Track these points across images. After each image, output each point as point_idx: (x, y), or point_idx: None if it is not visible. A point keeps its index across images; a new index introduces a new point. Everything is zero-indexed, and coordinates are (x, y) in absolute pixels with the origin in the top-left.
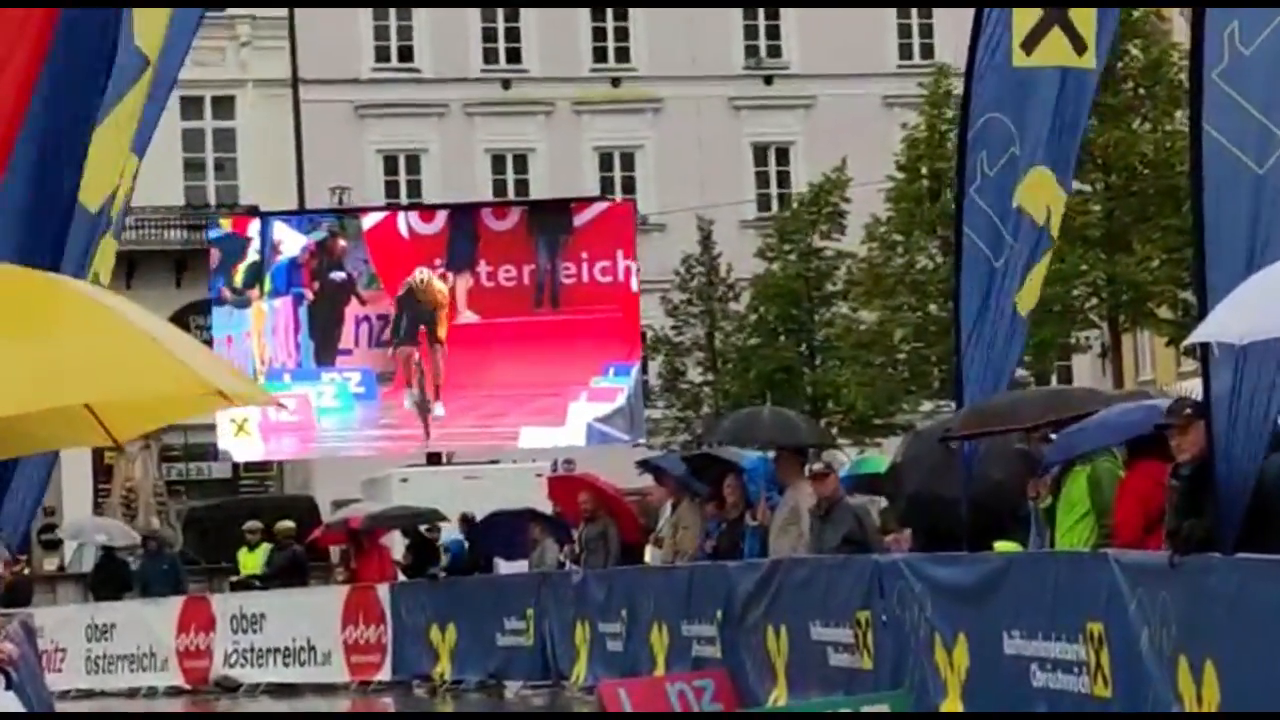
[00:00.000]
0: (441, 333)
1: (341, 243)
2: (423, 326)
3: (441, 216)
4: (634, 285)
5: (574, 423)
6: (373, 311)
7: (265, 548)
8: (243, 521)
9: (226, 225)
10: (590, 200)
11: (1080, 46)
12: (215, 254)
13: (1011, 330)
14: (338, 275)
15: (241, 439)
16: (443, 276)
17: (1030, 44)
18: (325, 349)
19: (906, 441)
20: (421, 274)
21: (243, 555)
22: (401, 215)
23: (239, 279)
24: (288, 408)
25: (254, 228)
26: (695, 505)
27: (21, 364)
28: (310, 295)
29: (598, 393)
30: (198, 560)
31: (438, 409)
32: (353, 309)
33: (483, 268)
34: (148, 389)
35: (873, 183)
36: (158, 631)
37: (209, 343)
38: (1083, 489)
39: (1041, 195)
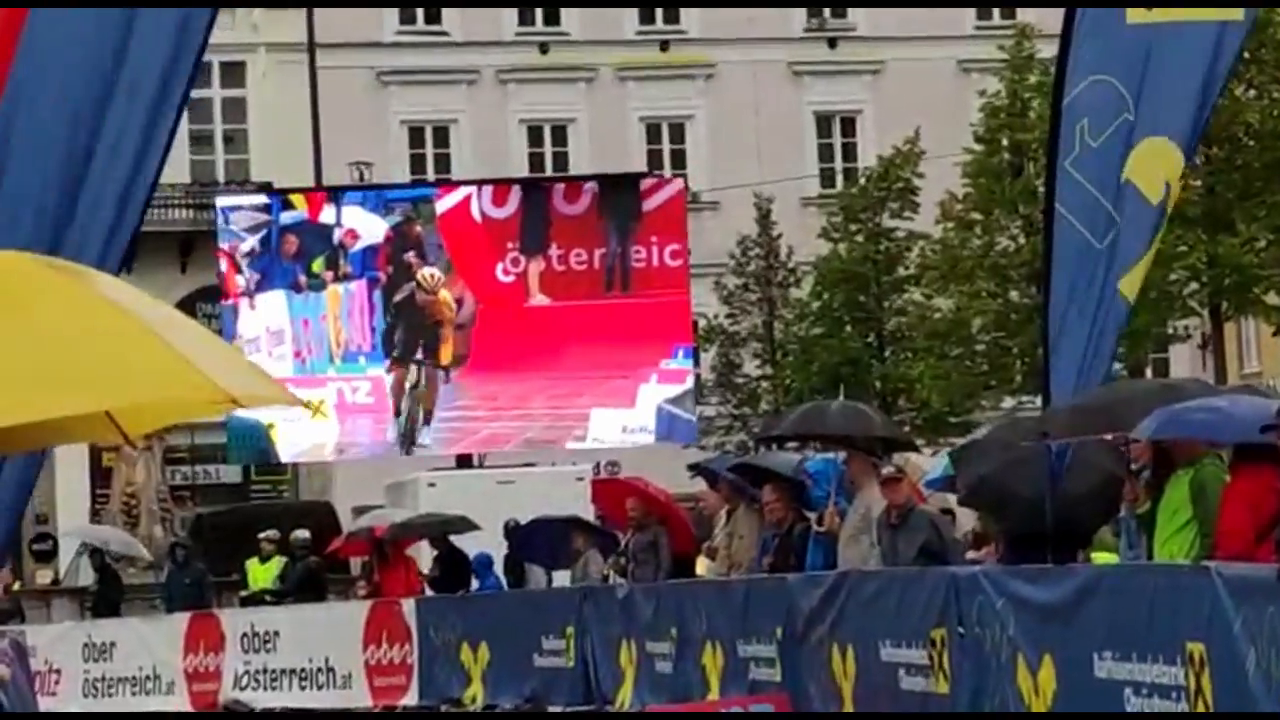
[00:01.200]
0: (445, 355)
1: (418, 228)
2: (422, 343)
3: (515, 198)
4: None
5: (644, 405)
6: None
7: (279, 560)
8: (254, 530)
9: (302, 207)
10: (661, 180)
11: None
12: (293, 240)
13: (1112, 319)
14: (410, 257)
15: (317, 422)
16: (515, 260)
17: None
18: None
19: (998, 425)
20: (431, 275)
21: (253, 567)
22: (474, 198)
23: (319, 266)
24: (315, 408)
25: (328, 213)
26: (752, 512)
27: (33, 367)
28: (384, 278)
29: (667, 374)
30: (204, 572)
31: (424, 437)
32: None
33: (554, 250)
34: (161, 395)
35: (948, 155)
36: (161, 651)
37: (219, 334)
38: (1184, 495)
39: (1159, 168)
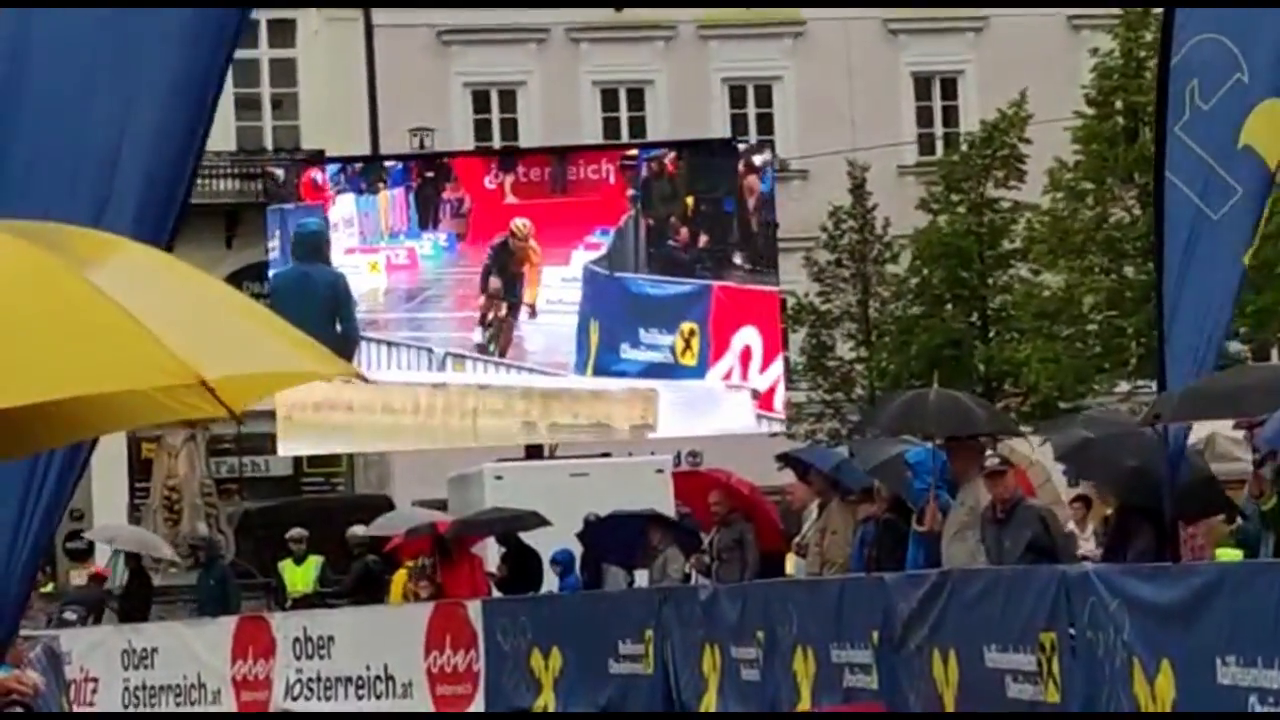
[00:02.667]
0: (529, 296)
1: None
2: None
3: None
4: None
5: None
6: (452, 196)
7: (315, 560)
8: (306, 525)
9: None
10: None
11: None
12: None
13: (1229, 295)
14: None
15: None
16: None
17: None
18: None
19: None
20: (522, 225)
21: (287, 569)
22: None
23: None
24: (366, 378)
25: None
26: (846, 506)
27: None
28: (416, 184)
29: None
30: (252, 572)
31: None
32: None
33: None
34: (115, 382)
35: (1057, 119)
36: (207, 658)
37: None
38: None
39: (1274, 132)
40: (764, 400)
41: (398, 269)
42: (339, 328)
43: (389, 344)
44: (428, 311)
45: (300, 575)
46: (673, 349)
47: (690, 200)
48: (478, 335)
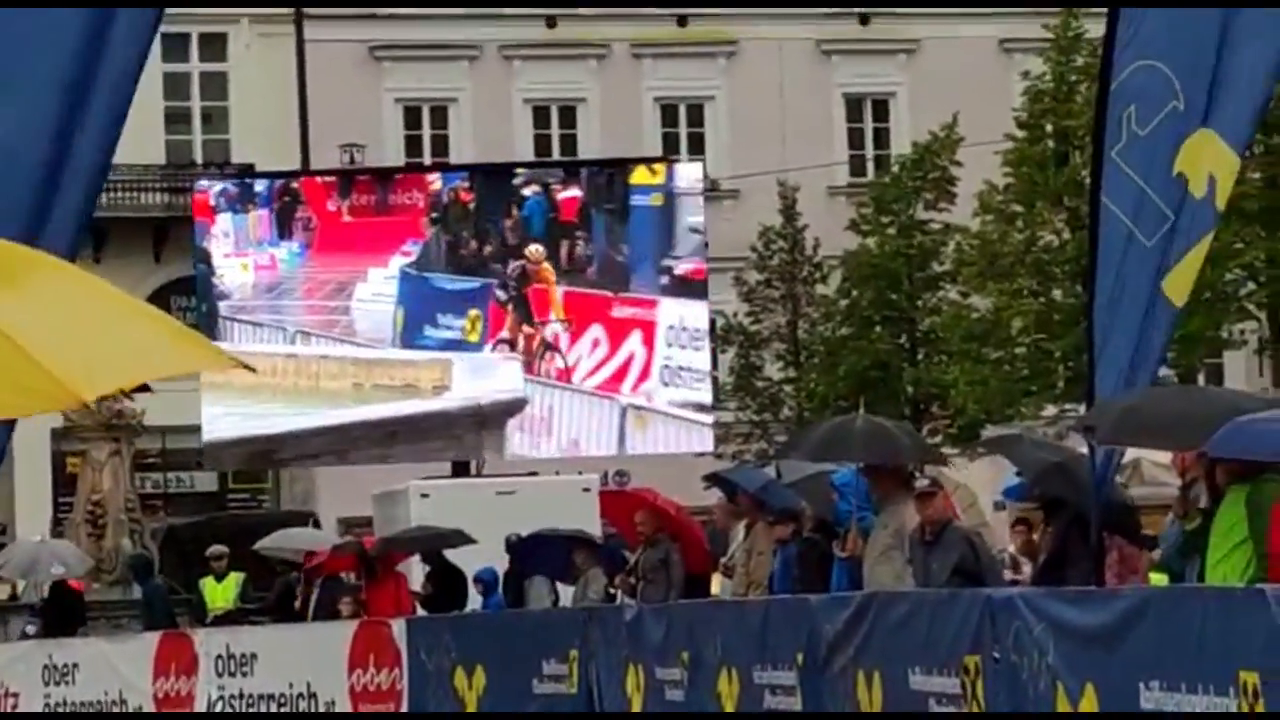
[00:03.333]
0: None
1: None
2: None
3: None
4: None
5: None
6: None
7: (235, 577)
8: (234, 542)
9: None
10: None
11: None
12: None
13: (1159, 322)
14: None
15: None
16: None
17: None
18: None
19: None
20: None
21: (208, 586)
22: None
23: None
24: (254, 369)
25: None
26: (769, 528)
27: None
28: (276, 205)
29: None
30: (176, 589)
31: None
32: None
33: None
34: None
35: (987, 143)
36: (129, 674)
37: (195, 328)
38: (1240, 513)
39: (1204, 161)
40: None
41: (262, 269)
42: None
43: (254, 324)
44: (283, 300)
45: (220, 592)
46: (462, 329)
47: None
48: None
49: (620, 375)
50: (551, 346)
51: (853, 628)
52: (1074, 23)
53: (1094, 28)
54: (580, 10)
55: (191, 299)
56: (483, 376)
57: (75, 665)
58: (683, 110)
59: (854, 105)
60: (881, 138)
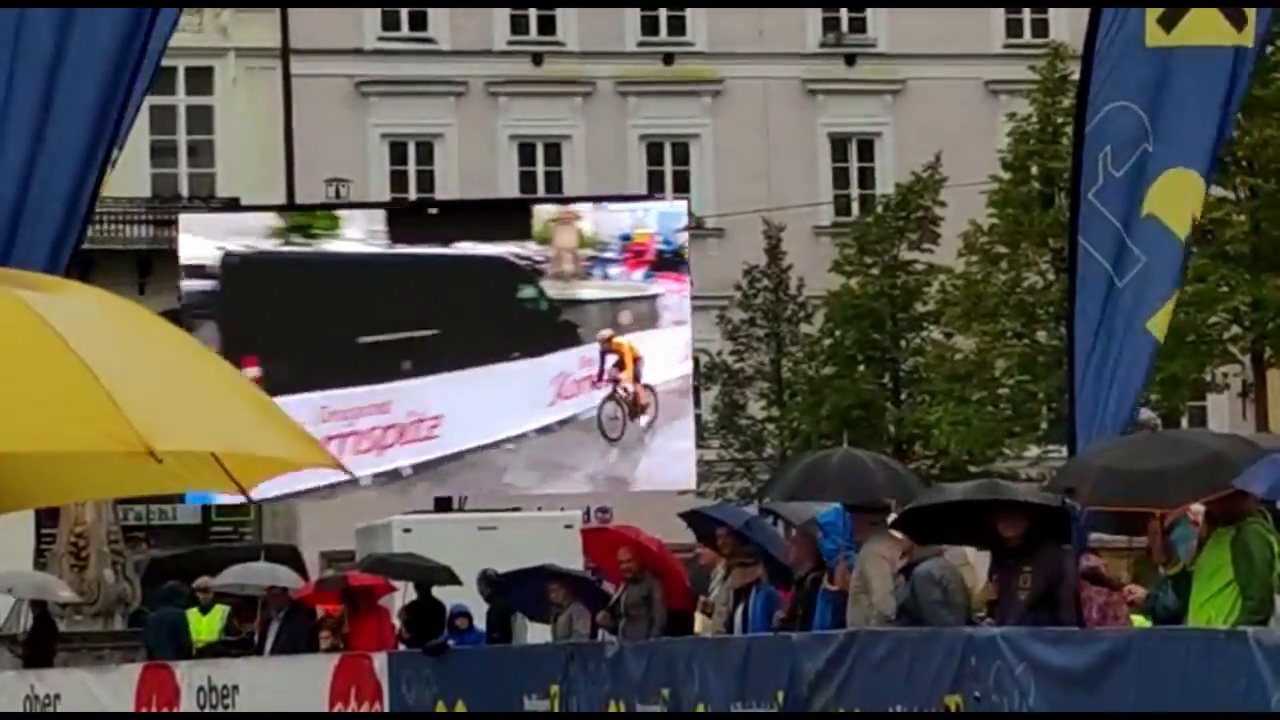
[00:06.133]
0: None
1: None
2: None
3: None
4: None
5: None
6: None
7: (221, 610)
8: (213, 574)
9: None
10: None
11: (1240, 21)
12: None
13: (1138, 362)
14: None
15: None
16: None
17: (1171, 20)
18: None
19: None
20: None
21: (193, 618)
22: None
23: None
24: (349, 473)
25: None
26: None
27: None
28: None
29: None
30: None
31: None
32: None
33: None
34: (58, 441)
35: (972, 183)
36: (110, 705)
37: None
38: (1225, 557)
39: (1182, 202)
40: None
41: None
42: None
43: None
44: None
45: (205, 624)
46: None
47: None
48: None
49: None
50: None
51: (834, 666)
52: (1059, 64)
53: (1079, 70)
54: (566, 48)
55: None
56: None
57: (57, 696)
58: (668, 148)
59: (839, 145)
60: (867, 178)
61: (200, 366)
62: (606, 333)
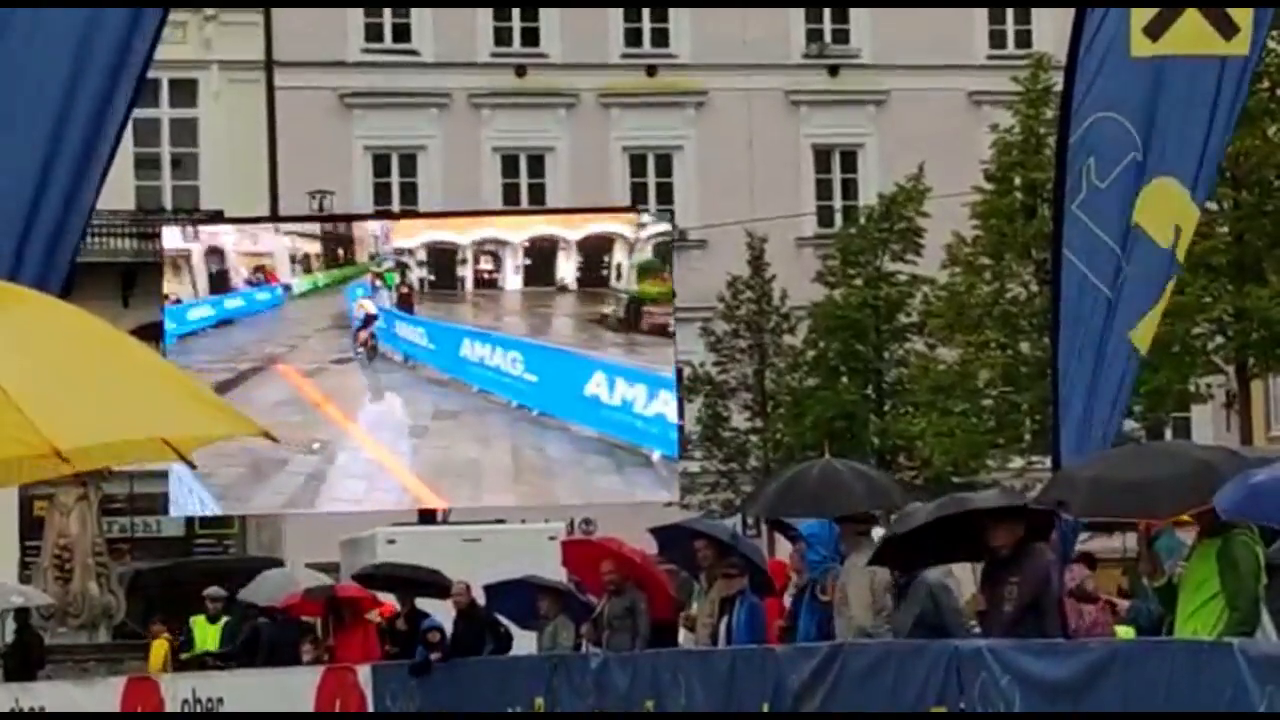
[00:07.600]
0: None
1: None
2: None
3: None
4: None
5: None
6: None
7: (226, 621)
8: (196, 586)
9: None
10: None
11: (1229, 30)
12: None
13: (1122, 373)
14: None
15: None
16: None
17: (1157, 29)
18: None
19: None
20: None
21: (199, 626)
22: None
23: None
24: (275, 439)
25: None
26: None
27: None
28: None
29: None
30: (140, 633)
31: None
32: None
33: None
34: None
35: (955, 195)
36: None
37: None
38: (1211, 568)
39: (1167, 211)
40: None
41: None
42: None
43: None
44: None
45: (210, 633)
46: None
47: None
48: None
49: None
50: None
51: (819, 678)
52: (1043, 75)
53: (1063, 81)
54: (550, 59)
55: (159, 344)
56: None
57: (41, 709)
58: (651, 160)
59: (822, 156)
60: (850, 189)
61: (118, 359)
62: None
